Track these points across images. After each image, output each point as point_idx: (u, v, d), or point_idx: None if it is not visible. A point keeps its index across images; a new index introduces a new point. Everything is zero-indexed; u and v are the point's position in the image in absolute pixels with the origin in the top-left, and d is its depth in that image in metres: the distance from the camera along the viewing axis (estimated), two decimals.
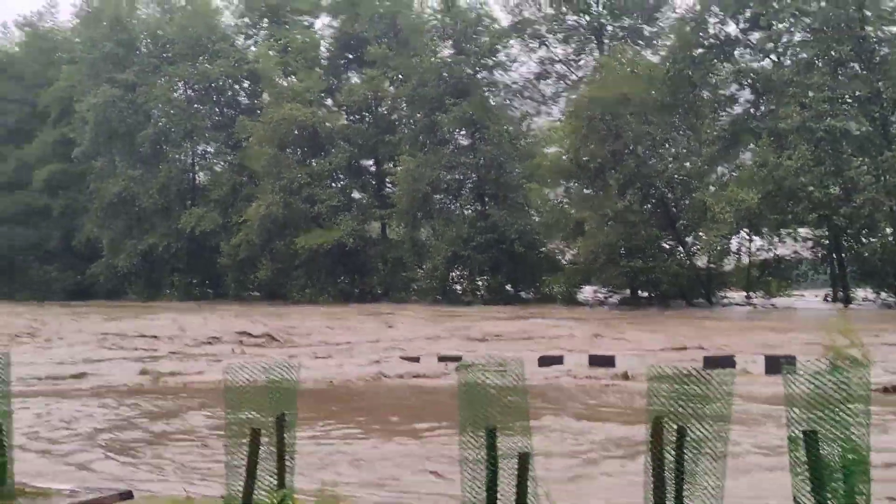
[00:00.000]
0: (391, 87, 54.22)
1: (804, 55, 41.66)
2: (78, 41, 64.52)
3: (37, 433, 14.22)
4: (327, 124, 53.93)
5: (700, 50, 43.62)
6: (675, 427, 5.81)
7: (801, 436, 5.51)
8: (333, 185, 54.82)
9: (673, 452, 5.85)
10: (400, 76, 52.26)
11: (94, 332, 33.13)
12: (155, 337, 30.79)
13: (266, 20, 59.85)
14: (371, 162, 57.26)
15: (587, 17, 51.72)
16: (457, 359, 21.13)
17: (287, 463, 7.21)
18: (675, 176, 43.09)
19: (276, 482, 7.15)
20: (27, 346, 29.46)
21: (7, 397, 8.52)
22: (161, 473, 11.70)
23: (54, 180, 61.77)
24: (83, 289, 58.82)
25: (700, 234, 43.01)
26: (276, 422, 7.11)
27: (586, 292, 46.50)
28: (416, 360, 22.46)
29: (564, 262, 47.22)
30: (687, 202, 43.31)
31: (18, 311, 46.39)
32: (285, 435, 7.18)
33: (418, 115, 51.28)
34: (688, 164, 43.50)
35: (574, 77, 51.88)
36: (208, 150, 62.34)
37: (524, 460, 6.23)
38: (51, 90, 62.28)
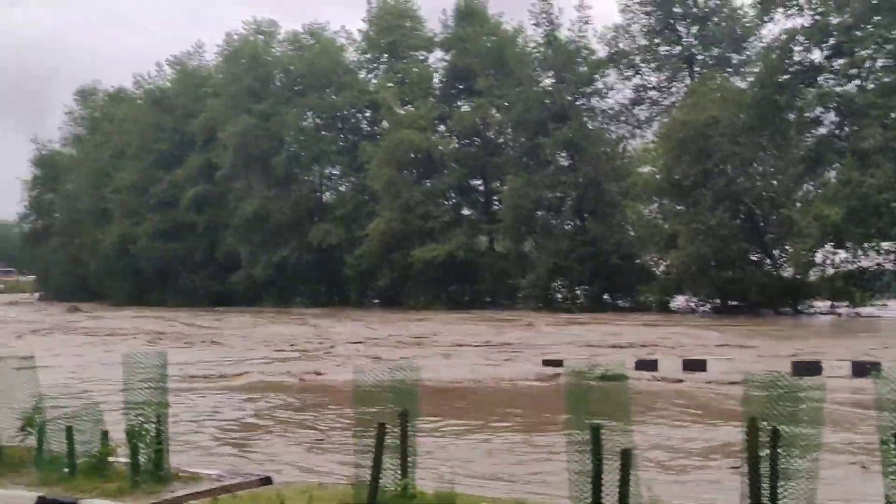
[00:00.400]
0: (498, 114, 54.15)
1: (887, 79, 40.10)
2: (221, 76, 66.23)
3: (190, 424, 14.59)
4: (440, 148, 54.27)
5: (786, 76, 42.40)
6: (770, 429, 5.65)
7: (893, 437, 5.30)
8: (445, 202, 55.08)
9: (767, 453, 5.69)
10: (506, 104, 52.15)
11: (242, 335, 33.88)
12: (297, 339, 31.37)
13: (385, 55, 60.44)
14: (479, 182, 57.24)
15: (679, 48, 50.87)
16: (559, 363, 21.01)
17: (408, 454, 7.24)
18: (763, 193, 42.06)
19: (399, 471, 7.20)
20: (181, 345, 30.35)
21: (164, 392, 8.76)
22: (297, 461, 11.85)
23: (200, 199, 63.33)
24: (224, 296, 60.02)
25: (787, 247, 41.84)
26: (400, 417, 7.17)
27: (679, 301, 45.63)
28: (523, 361, 22.39)
29: (658, 273, 46.38)
30: (774, 218, 42.21)
31: (173, 315, 47.84)
32: (407, 429, 7.22)
33: (522, 139, 51.12)
34: (775, 182, 42.38)
35: (666, 102, 50.98)
36: (334, 172, 63.29)
37: (627, 456, 6.15)
38: (197, 120, 63.83)
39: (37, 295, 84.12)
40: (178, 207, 64.29)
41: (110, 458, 9.02)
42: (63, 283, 76.68)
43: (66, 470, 8.98)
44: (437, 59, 60.51)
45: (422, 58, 60.61)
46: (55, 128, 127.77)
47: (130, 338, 35.25)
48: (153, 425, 8.75)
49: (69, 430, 9.05)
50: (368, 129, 61.53)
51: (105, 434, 9.05)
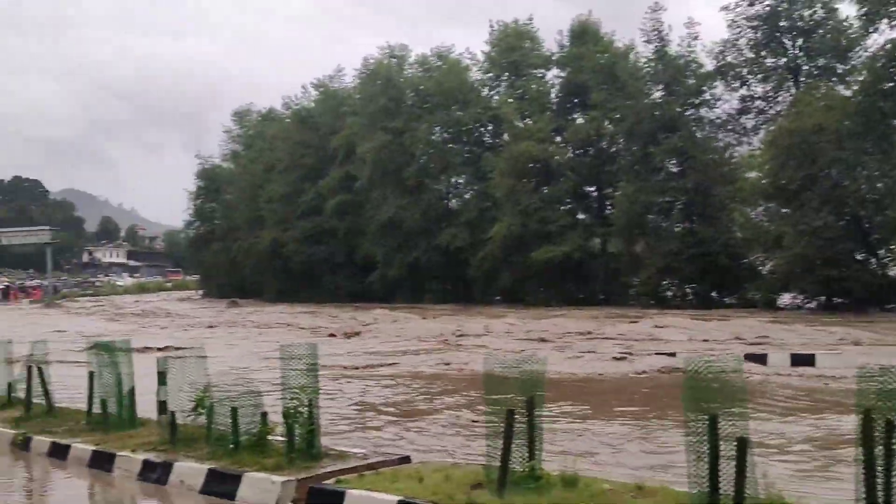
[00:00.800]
0: (610, 125, 53.50)
1: None
2: (358, 97, 67.42)
3: (338, 408, 14.93)
4: (556, 158, 54.01)
5: (890, 84, 40.43)
6: (885, 421, 5.43)
7: None
8: (562, 208, 54.60)
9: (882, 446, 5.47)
10: (618, 116, 51.45)
11: (385, 329, 34.25)
12: (433, 332, 31.67)
13: (506, 73, 60.46)
14: (593, 188, 56.70)
15: (784, 59, 49.20)
16: (671, 355, 20.66)
17: (535, 439, 7.25)
18: (868, 196, 40.26)
19: (527, 453, 7.22)
20: (329, 337, 31.00)
21: (316, 378, 8.98)
22: (434, 443, 11.95)
23: (341, 208, 64.66)
24: (362, 293, 61.04)
25: (892, 246, 39.96)
26: (527, 404, 7.18)
27: (785, 298, 44.03)
28: (639, 354, 22.05)
29: (764, 272, 44.87)
30: (879, 219, 40.32)
31: (321, 310, 48.95)
32: (534, 415, 7.24)
33: (634, 148, 50.29)
34: (880, 185, 40.46)
35: (772, 111, 49.30)
36: (460, 181, 63.64)
37: (743, 444, 6.03)
38: (338, 137, 65.07)
39: (200, 292, 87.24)
40: (322, 215, 65.75)
41: (269, 437, 9.30)
42: (222, 281, 79.22)
43: (232, 446, 9.28)
44: (553, 75, 60.36)
45: (540, 75, 60.40)
46: (216, 145, 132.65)
47: (285, 330, 36.23)
48: (306, 408, 8.92)
49: (234, 411, 9.34)
50: (491, 141, 61.61)
51: (264, 415, 9.34)
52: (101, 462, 10.25)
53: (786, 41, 49.02)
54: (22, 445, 11.70)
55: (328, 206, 64.95)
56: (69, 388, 13.90)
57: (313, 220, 66.49)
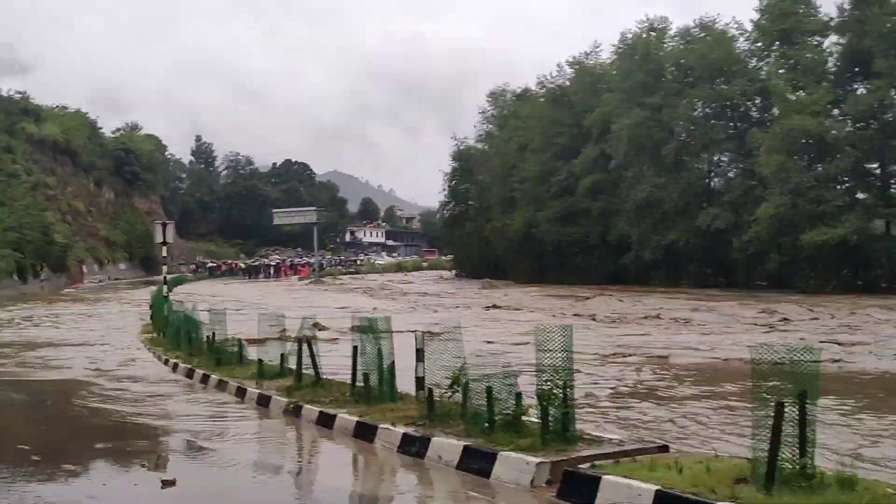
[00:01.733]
0: None
1: None
2: (615, 73, 66.61)
3: (595, 391, 14.89)
4: (833, 132, 50.25)
5: None
6: None
7: None
8: (838, 187, 51.03)
9: None
10: None
11: (653, 318, 33.37)
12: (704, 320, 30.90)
13: (777, 43, 56.92)
14: (876, 165, 52.30)
15: None
16: None
17: (807, 434, 6.85)
18: None
19: (797, 449, 6.88)
20: (589, 322, 30.97)
21: (570, 361, 8.95)
22: (693, 432, 11.65)
23: (594, 187, 64.35)
24: (615, 275, 60.42)
25: None
26: (799, 397, 6.82)
27: None
28: None
29: None
30: None
31: (583, 293, 48.77)
32: (806, 409, 6.87)
33: None
34: None
35: None
36: (723, 159, 61.34)
37: None
38: (593, 115, 64.63)
39: (453, 272, 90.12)
40: (575, 195, 65.69)
41: (523, 418, 9.30)
42: (475, 261, 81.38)
43: (486, 425, 9.38)
44: (831, 43, 55.93)
45: (815, 43, 56.20)
46: (470, 126, 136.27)
47: (541, 313, 36.44)
48: (561, 390, 8.89)
49: (489, 390, 9.42)
50: (758, 116, 58.55)
51: (519, 396, 9.34)
52: (364, 432, 10.82)
53: None
54: (293, 413, 12.66)
55: (581, 186, 64.73)
56: (331, 361, 14.82)
57: (566, 200, 66.46)
